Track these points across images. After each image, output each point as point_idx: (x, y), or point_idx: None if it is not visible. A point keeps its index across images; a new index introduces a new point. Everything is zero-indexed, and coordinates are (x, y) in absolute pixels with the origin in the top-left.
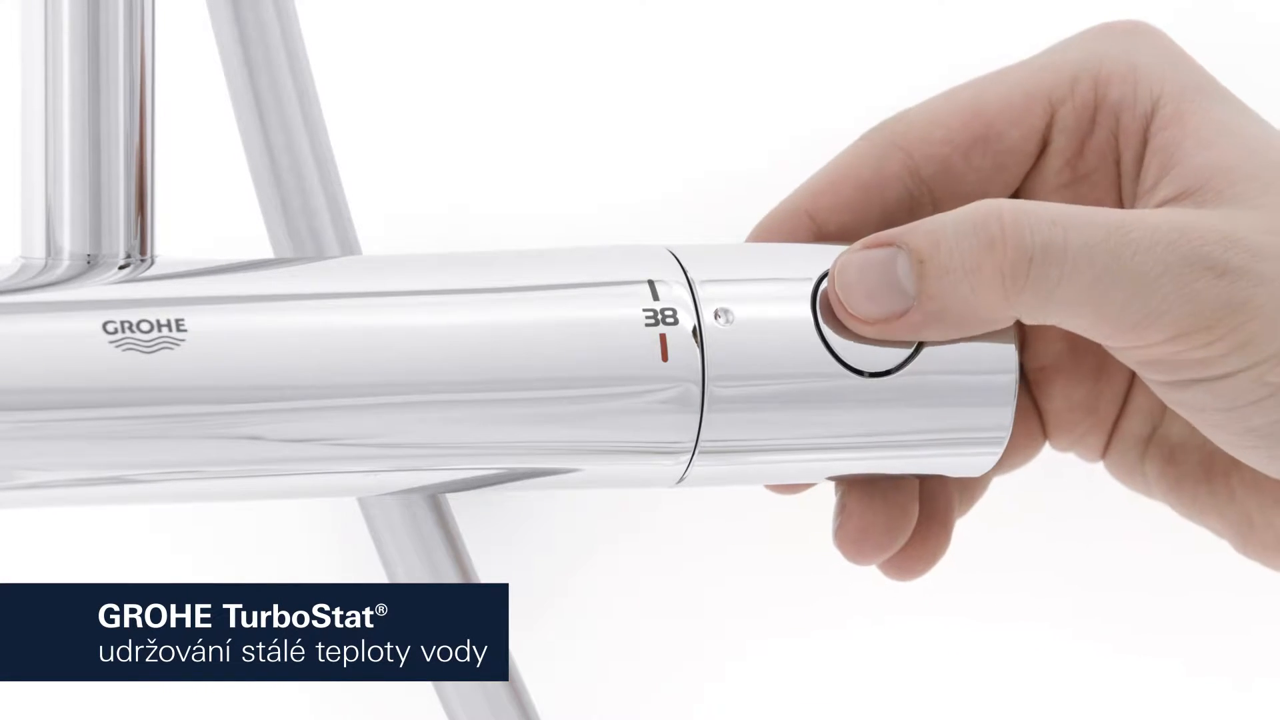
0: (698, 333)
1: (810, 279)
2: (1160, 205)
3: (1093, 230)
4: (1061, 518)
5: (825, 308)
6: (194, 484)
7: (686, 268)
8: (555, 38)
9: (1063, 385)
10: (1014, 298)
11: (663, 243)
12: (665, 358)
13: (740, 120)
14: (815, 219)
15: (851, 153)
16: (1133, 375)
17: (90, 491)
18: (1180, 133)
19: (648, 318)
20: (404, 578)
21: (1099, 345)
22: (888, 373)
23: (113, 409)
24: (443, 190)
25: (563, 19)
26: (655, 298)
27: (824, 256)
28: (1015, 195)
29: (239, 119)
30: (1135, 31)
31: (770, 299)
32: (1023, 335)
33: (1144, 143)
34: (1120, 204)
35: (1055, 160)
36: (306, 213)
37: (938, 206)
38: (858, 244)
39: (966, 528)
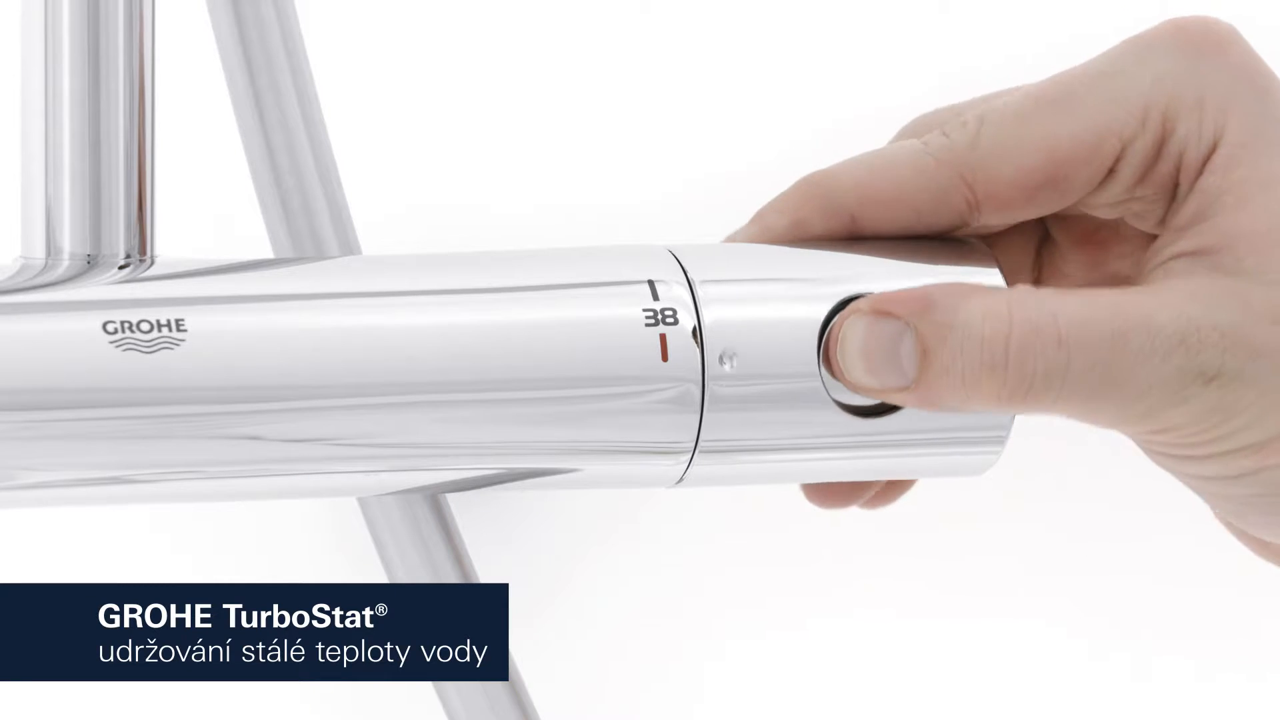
0: (698, 333)
1: (809, 278)
2: (1182, 256)
3: (1096, 348)
4: (1061, 514)
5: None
6: (194, 484)
7: (686, 268)
8: (555, 37)
9: None
10: (1008, 410)
11: (663, 243)
12: (665, 358)
13: (741, 120)
14: (857, 222)
15: (913, 169)
16: None
17: (90, 491)
18: (1224, 183)
19: (648, 318)
20: (404, 578)
21: (1118, 284)
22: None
23: (113, 409)
24: (442, 190)
25: (563, 19)
26: (655, 298)
27: (826, 260)
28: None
29: (239, 119)
30: (1206, 47)
31: (771, 299)
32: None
33: (1190, 182)
34: (1163, 227)
35: (1116, 188)
36: (306, 213)
37: (990, 236)
38: (866, 304)
39: (968, 525)
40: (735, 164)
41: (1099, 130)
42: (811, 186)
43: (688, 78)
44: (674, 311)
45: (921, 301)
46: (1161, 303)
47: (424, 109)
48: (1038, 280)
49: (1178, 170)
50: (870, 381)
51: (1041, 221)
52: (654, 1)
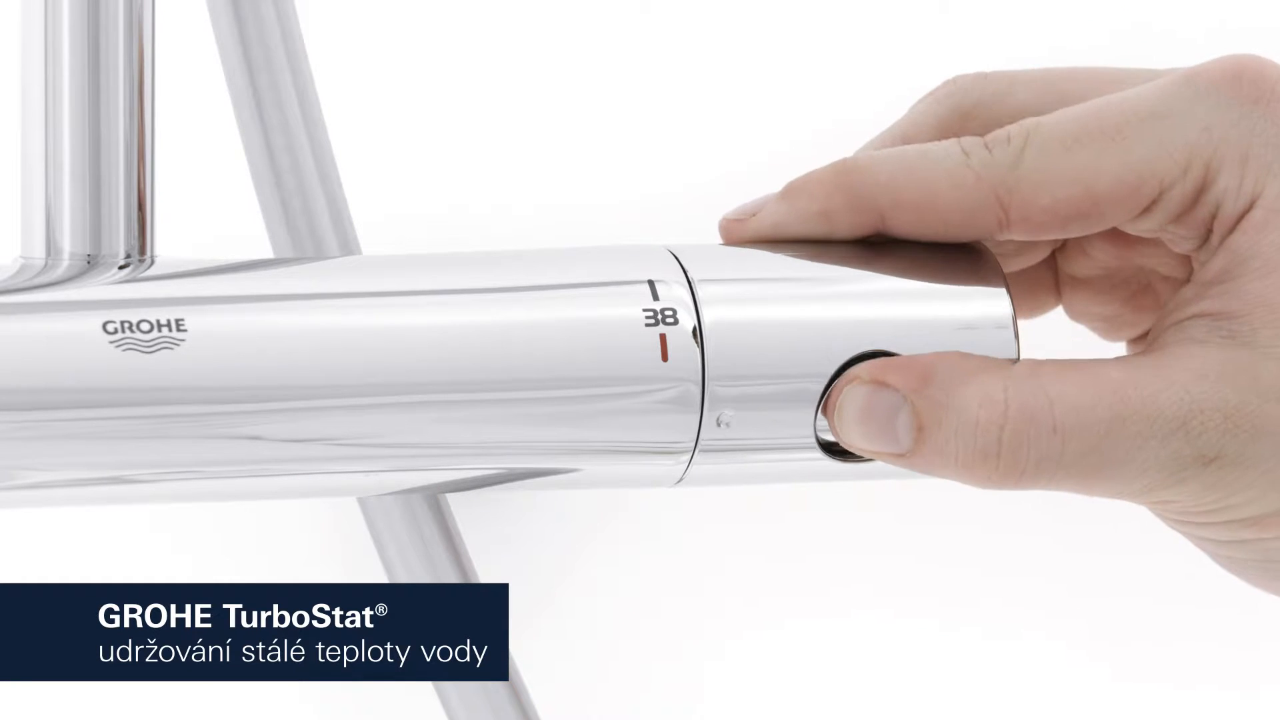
0: (698, 333)
1: (810, 278)
2: (1202, 317)
3: (1092, 434)
4: (1061, 512)
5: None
6: (194, 484)
7: (686, 268)
8: (555, 37)
9: (1088, 296)
10: (1001, 490)
11: (663, 243)
12: (665, 358)
13: (740, 120)
14: (886, 221)
15: (950, 181)
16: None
17: (90, 491)
18: (1254, 244)
19: (648, 318)
20: (404, 578)
21: (1141, 275)
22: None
23: (113, 409)
24: (443, 190)
25: (563, 19)
26: (655, 298)
27: (827, 263)
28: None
29: (239, 119)
30: (1261, 97)
31: (771, 301)
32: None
33: (1224, 236)
34: (1190, 266)
35: (1149, 223)
36: (306, 213)
37: (1014, 253)
38: (865, 371)
39: (968, 525)
40: (735, 164)
41: (1141, 172)
42: (845, 177)
43: (688, 78)
44: (674, 311)
45: (920, 377)
46: (1167, 382)
47: (424, 109)
48: (1061, 250)
49: (1213, 218)
50: (864, 445)
51: None
52: (654, 1)
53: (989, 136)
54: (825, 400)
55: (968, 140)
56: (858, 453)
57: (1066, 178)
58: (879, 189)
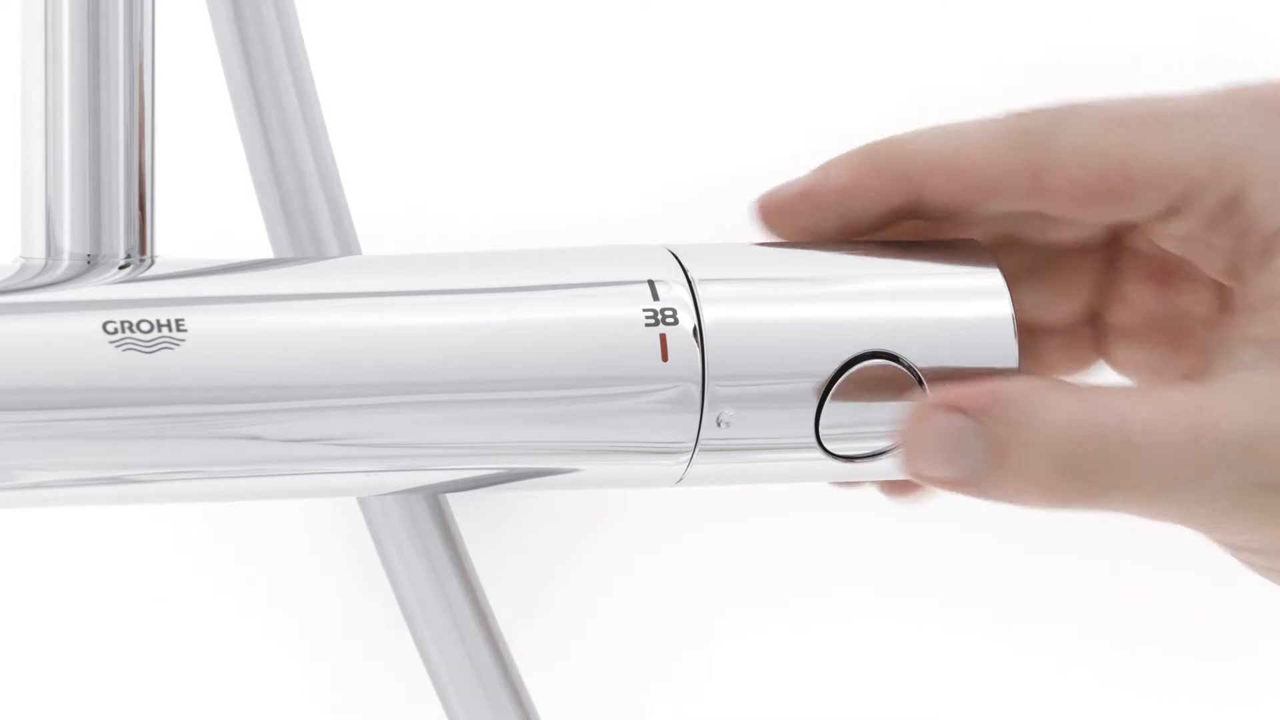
0: (698, 333)
1: (809, 278)
2: (1253, 344)
3: (1166, 451)
4: (1065, 521)
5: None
6: (194, 484)
7: (686, 268)
8: (555, 37)
9: (1132, 344)
10: (1069, 509)
11: (663, 243)
12: (665, 358)
13: (740, 120)
14: (920, 189)
15: (982, 147)
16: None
17: (90, 491)
18: None
19: (648, 318)
20: (404, 578)
21: (1183, 320)
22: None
23: (113, 409)
24: (443, 190)
25: (563, 19)
26: (655, 298)
27: (825, 259)
28: (1122, 237)
29: (239, 119)
30: None
31: (771, 300)
32: (1100, 286)
33: (1263, 258)
34: (1219, 289)
35: (1181, 225)
36: (306, 213)
37: (1043, 226)
38: (939, 400)
39: (973, 529)
40: (735, 164)
41: (1177, 163)
42: (876, 146)
43: (688, 78)
44: (674, 311)
45: (991, 398)
46: (1230, 406)
47: (424, 109)
48: (1100, 299)
49: (1246, 234)
50: (934, 473)
51: (1109, 249)
52: (654, 1)
53: (1027, 109)
54: (896, 433)
55: (1005, 111)
56: (928, 485)
57: (1102, 150)
58: (910, 157)
